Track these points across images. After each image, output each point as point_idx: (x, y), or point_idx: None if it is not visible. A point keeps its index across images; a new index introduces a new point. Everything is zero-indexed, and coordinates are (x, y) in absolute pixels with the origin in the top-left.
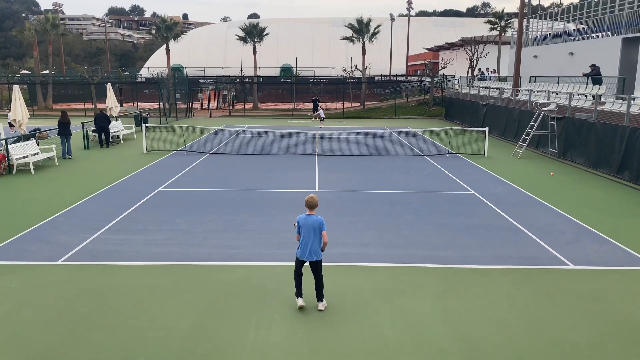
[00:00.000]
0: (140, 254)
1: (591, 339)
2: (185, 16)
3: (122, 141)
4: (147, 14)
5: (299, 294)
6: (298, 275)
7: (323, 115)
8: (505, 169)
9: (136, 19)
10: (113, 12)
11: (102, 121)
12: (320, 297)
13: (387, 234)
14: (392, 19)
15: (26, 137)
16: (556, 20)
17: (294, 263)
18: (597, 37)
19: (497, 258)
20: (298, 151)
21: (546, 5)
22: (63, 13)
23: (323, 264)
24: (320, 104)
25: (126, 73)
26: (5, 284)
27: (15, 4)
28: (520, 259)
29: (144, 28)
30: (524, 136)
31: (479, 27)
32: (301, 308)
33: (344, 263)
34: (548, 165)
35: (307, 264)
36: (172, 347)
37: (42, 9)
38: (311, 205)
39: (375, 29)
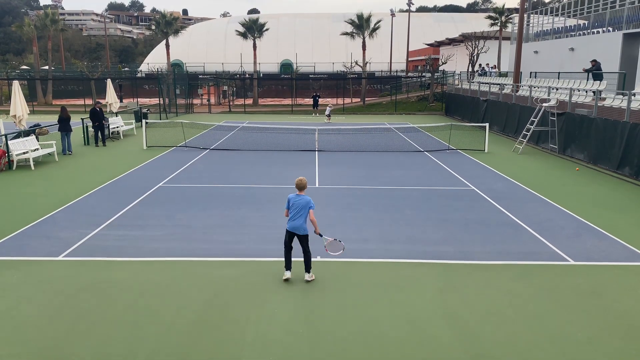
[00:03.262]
0: (140, 250)
1: (591, 334)
2: (184, 11)
3: (122, 137)
4: (147, 10)
5: (288, 266)
6: (288, 248)
7: (328, 112)
8: (506, 165)
9: (136, 14)
10: (112, 7)
11: (97, 117)
12: (307, 268)
13: (387, 229)
14: (393, 15)
15: (26, 133)
16: (557, 15)
17: (294, 259)
18: (598, 32)
19: (497, 253)
20: (298, 147)
21: (547, 0)
22: (62, 8)
23: (324, 259)
24: (320, 100)
25: (126, 69)
26: (6, 280)
27: (15, 0)
28: (520, 254)
29: (143, 23)
30: (524, 132)
31: (479, 23)
32: (286, 280)
33: (344, 258)
34: (548, 161)
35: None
36: (173, 343)
37: (41, 4)
38: (301, 187)
39: (375, 24)
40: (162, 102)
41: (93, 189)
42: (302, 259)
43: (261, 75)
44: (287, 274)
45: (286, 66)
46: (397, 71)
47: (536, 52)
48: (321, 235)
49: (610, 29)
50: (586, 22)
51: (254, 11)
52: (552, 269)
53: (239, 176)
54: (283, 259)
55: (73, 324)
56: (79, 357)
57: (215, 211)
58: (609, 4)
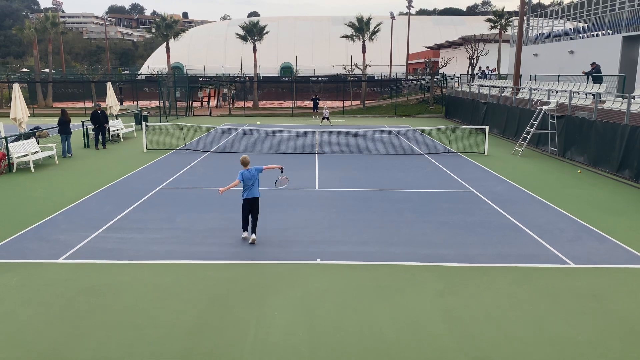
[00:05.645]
0: (140, 253)
1: (591, 337)
2: (185, 14)
3: (122, 140)
4: (147, 12)
5: (245, 228)
6: (246, 215)
7: (327, 115)
8: (506, 168)
9: (136, 17)
10: (113, 10)
11: (99, 119)
12: (254, 230)
13: (387, 232)
14: (393, 17)
15: (26, 136)
16: (556, 18)
17: (294, 262)
18: (598, 35)
19: (497, 256)
20: (298, 149)
21: (546, 3)
22: (63, 11)
23: (324, 262)
24: (320, 102)
25: (126, 71)
26: (6, 282)
27: (15, 2)
28: (520, 257)
29: (144, 26)
30: (524, 134)
31: (479, 26)
32: (245, 239)
33: (344, 261)
34: (548, 163)
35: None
36: (173, 345)
37: (42, 7)
38: (246, 163)
39: (375, 27)
40: (162, 104)
41: (93, 192)
42: (307, 262)
43: (261, 78)
44: (245, 234)
45: (286, 69)
46: (397, 74)
47: (536, 54)
48: (282, 170)
49: (610, 31)
50: (586, 25)
51: (254, 14)
52: (552, 271)
53: None
54: (283, 262)
55: (73, 327)
56: None
57: (215, 214)
58: (608, 7)
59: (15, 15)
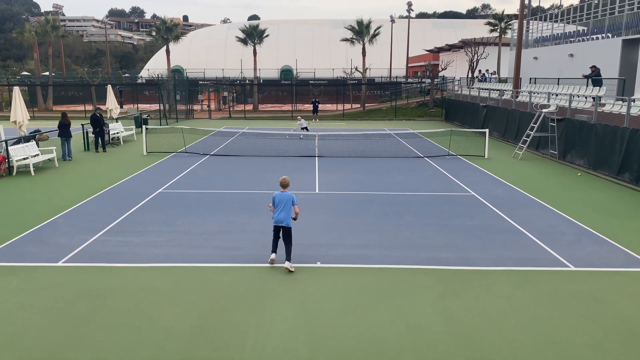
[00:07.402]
0: (140, 256)
1: (591, 340)
2: (185, 18)
3: (122, 143)
4: (147, 16)
5: (273, 250)
6: (276, 237)
7: (305, 125)
8: (506, 171)
9: (136, 20)
10: (113, 13)
11: (98, 123)
12: (288, 257)
13: (388, 235)
14: (392, 21)
15: (26, 139)
16: (556, 21)
17: (294, 265)
18: (597, 38)
19: (497, 259)
20: (298, 153)
21: (546, 6)
22: (63, 15)
23: (324, 265)
24: (320, 105)
25: (126, 74)
26: (6, 285)
27: (16, 6)
28: (520, 260)
29: (144, 30)
30: (524, 138)
31: (479, 29)
32: (272, 261)
33: (344, 264)
34: (548, 166)
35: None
36: (172, 349)
37: (42, 10)
38: (284, 185)
39: (375, 30)
40: (162, 108)
41: (93, 195)
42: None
43: (261, 81)
44: (273, 256)
45: (286, 72)
46: (397, 77)
47: (536, 58)
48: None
49: (610, 35)
50: (585, 28)
51: (254, 17)
52: (552, 275)
53: (239, 182)
54: (281, 264)
55: (72, 330)
56: None
57: (215, 217)
58: (608, 10)
59: (15, 18)
